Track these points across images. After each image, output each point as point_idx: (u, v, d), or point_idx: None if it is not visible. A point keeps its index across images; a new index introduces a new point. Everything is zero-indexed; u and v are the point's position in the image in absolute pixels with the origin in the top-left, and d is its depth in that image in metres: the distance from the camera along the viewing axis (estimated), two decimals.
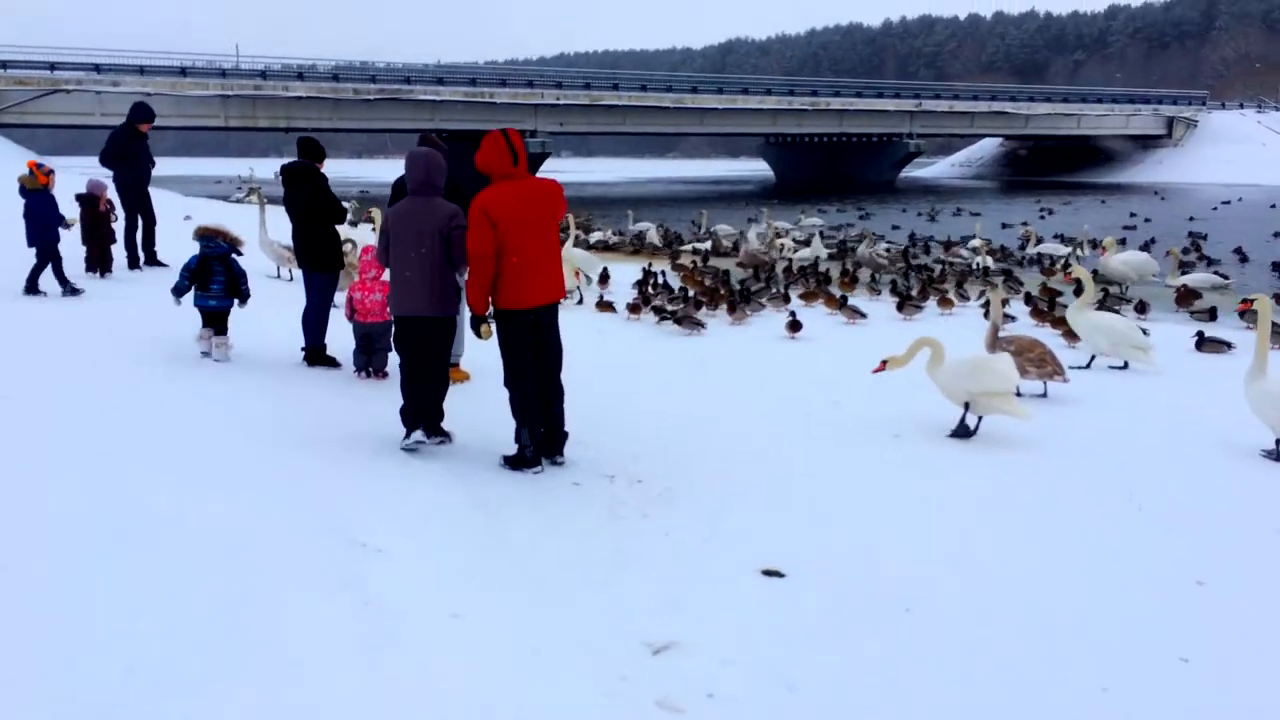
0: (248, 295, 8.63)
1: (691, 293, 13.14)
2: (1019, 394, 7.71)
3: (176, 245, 11.78)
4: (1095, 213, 34.11)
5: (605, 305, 12.97)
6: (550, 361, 6.48)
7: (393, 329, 8.46)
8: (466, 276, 6.35)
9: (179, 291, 8.40)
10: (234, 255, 8.58)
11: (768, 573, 4.88)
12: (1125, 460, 6.65)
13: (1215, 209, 34.54)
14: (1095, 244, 18.02)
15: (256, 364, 8.52)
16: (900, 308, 12.75)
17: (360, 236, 14.27)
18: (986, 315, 11.70)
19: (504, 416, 6.54)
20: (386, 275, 8.67)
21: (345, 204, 9.27)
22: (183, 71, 48.76)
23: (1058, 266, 16.88)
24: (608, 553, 5.07)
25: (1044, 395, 8.43)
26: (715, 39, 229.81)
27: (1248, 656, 4.09)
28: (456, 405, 6.97)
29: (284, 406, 7.33)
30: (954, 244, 20.49)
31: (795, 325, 11.15)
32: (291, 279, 13.61)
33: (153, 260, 13.29)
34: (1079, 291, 10.08)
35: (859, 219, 31.64)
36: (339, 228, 8.87)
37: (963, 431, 7.16)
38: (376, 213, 11.51)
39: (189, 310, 8.47)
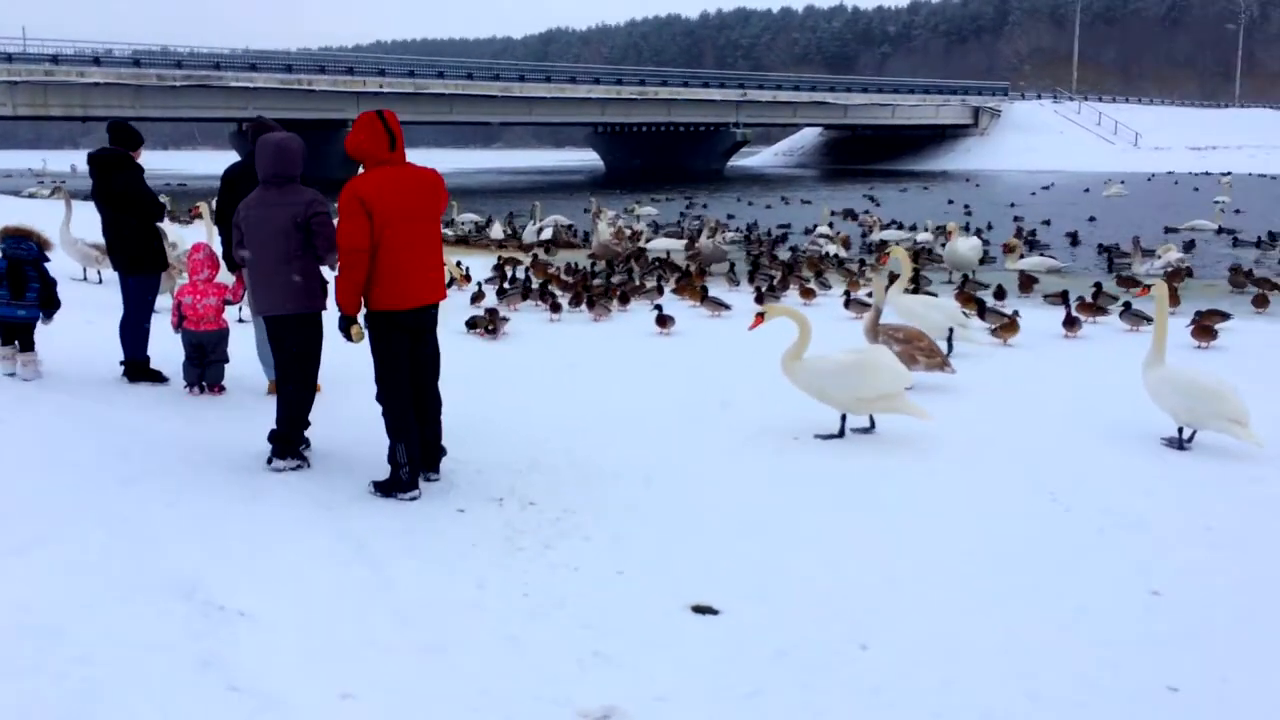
0: (58, 305, 7.48)
1: (551, 287, 12.45)
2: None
3: None
4: (920, 199, 35.26)
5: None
6: (428, 369, 5.88)
7: (227, 338, 7.63)
8: (337, 270, 5.61)
9: None
10: (44, 259, 7.43)
11: (699, 609, 4.32)
12: (1032, 456, 6.40)
13: (1034, 194, 36.20)
14: (942, 229, 18.31)
15: (69, 383, 7.37)
16: (759, 299, 12.43)
17: (190, 235, 12.92)
18: (847, 305, 11.56)
19: (365, 433, 5.80)
20: (221, 276, 7.75)
21: (161, 198, 8.16)
22: None
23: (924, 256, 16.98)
24: (514, 596, 4.40)
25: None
26: (536, 29, 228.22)
27: (1242, 685, 3.77)
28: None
29: (106, 434, 6.29)
30: (812, 231, 20.51)
31: (664, 320, 10.64)
32: (100, 281, 12.19)
33: None
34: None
35: (687, 208, 31.57)
36: (161, 224, 7.79)
37: (840, 434, 6.76)
38: (204, 207, 10.34)
39: None
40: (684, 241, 18.50)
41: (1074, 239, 19.53)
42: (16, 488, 5.25)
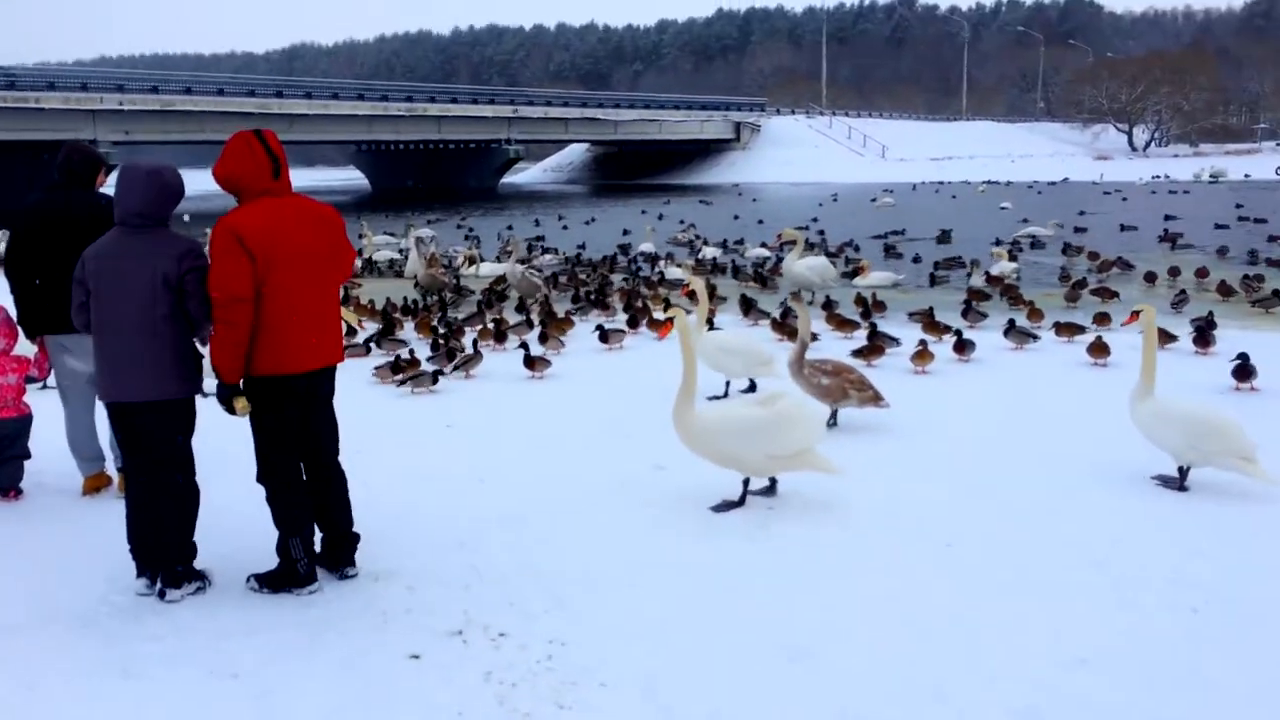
0: None
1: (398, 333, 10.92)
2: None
3: None
4: (701, 213, 35.21)
5: None
6: (325, 442, 4.76)
7: (30, 427, 5.86)
8: (207, 340, 4.46)
9: None
10: None
11: None
12: (1022, 503, 5.71)
13: (821, 205, 37.01)
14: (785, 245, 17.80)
15: None
16: (632, 322, 11.43)
17: None
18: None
19: (241, 526, 4.43)
20: (22, 349, 5.97)
21: None
22: None
23: (766, 268, 16.36)
24: None
25: (833, 424, 7.41)
26: (278, 44, 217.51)
27: None
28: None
29: None
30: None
31: (533, 362, 9.41)
32: None
33: None
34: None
35: (460, 225, 30.18)
36: None
37: (740, 502, 5.80)
38: None
39: None
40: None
41: (890, 250, 19.66)
42: None
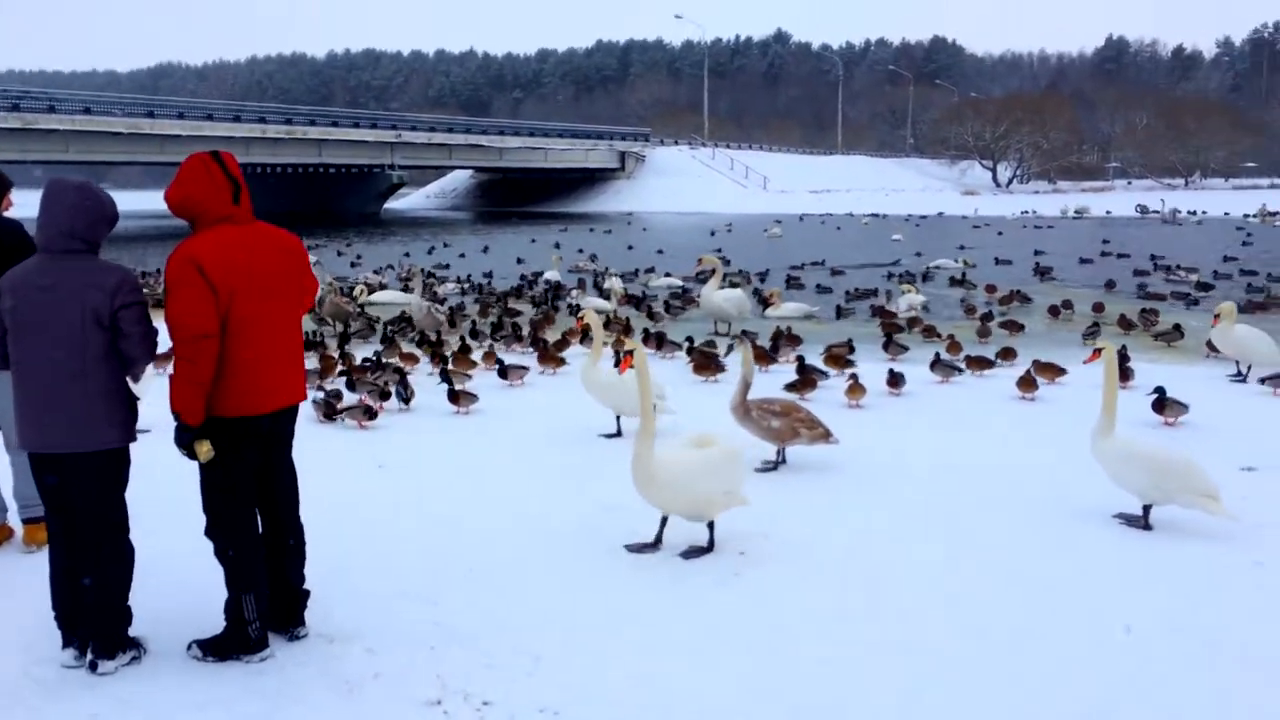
0: None
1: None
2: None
3: None
4: (598, 241, 35.14)
5: None
6: (285, 492, 4.39)
7: None
8: (139, 379, 4.05)
9: None
10: None
11: None
12: (996, 543, 5.65)
13: (714, 233, 37.17)
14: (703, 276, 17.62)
15: None
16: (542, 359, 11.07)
17: None
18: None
19: (176, 584, 4.00)
20: None
21: None
22: None
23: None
24: None
25: (782, 462, 7.30)
26: (143, 63, 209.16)
27: None
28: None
29: None
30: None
31: (458, 396, 9.01)
32: None
33: None
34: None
35: (346, 249, 29.34)
36: None
37: (710, 547, 5.55)
38: None
39: None
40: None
41: (793, 281, 19.81)
42: None
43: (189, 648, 4.25)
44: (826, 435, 7.23)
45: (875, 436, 8.03)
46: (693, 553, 5.50)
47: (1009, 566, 5.32)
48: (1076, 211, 53.35)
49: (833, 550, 5.56)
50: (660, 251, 28.19)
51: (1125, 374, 9.75)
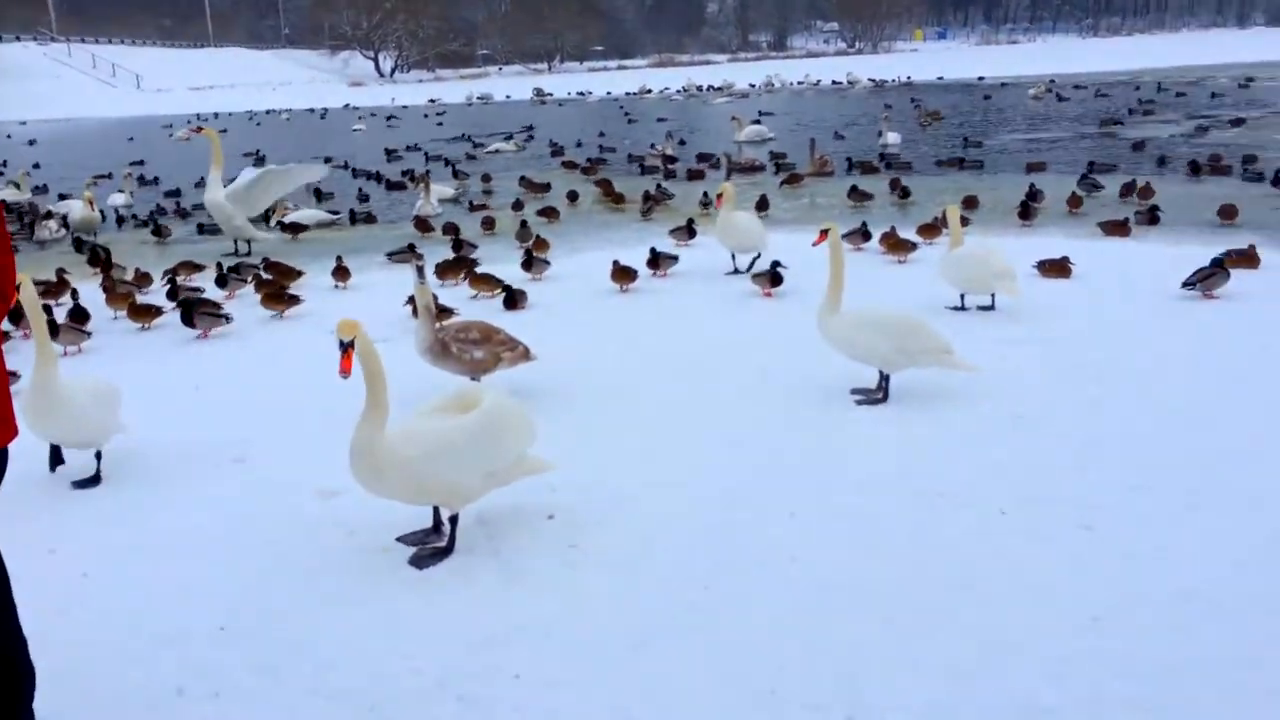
0: None
1: None
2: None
3: None
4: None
5: None
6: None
7: None
8: None
9: None
10: None
11: None
12: (756, 438, 5.90)
13: (133, 139, 32.07)
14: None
15: None
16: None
17: None
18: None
19: None
20: None
21: None
22: None
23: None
24: None
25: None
26: None
27: None
28: None
29: None
30: None
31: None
32: None
33: None
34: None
35: None
36: None
37: (449, 549, 4.54)
38: None
39: None
40: None
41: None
42: None
43: None
44: (527, 354, 6.86)
45: (579, 348, 7.75)
46: (425, 560, 4.45)
47: (781, 456, 5.57)
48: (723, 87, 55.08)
49: (596, 504, 5.39)
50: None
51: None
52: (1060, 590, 3.98)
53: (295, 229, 13.59)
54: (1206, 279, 8.16)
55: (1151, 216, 11.23)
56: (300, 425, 6.34)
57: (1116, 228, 10.90)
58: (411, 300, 8.69)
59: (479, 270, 9.96)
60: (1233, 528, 4.41)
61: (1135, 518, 4.55)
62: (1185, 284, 8.24)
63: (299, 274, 10.39)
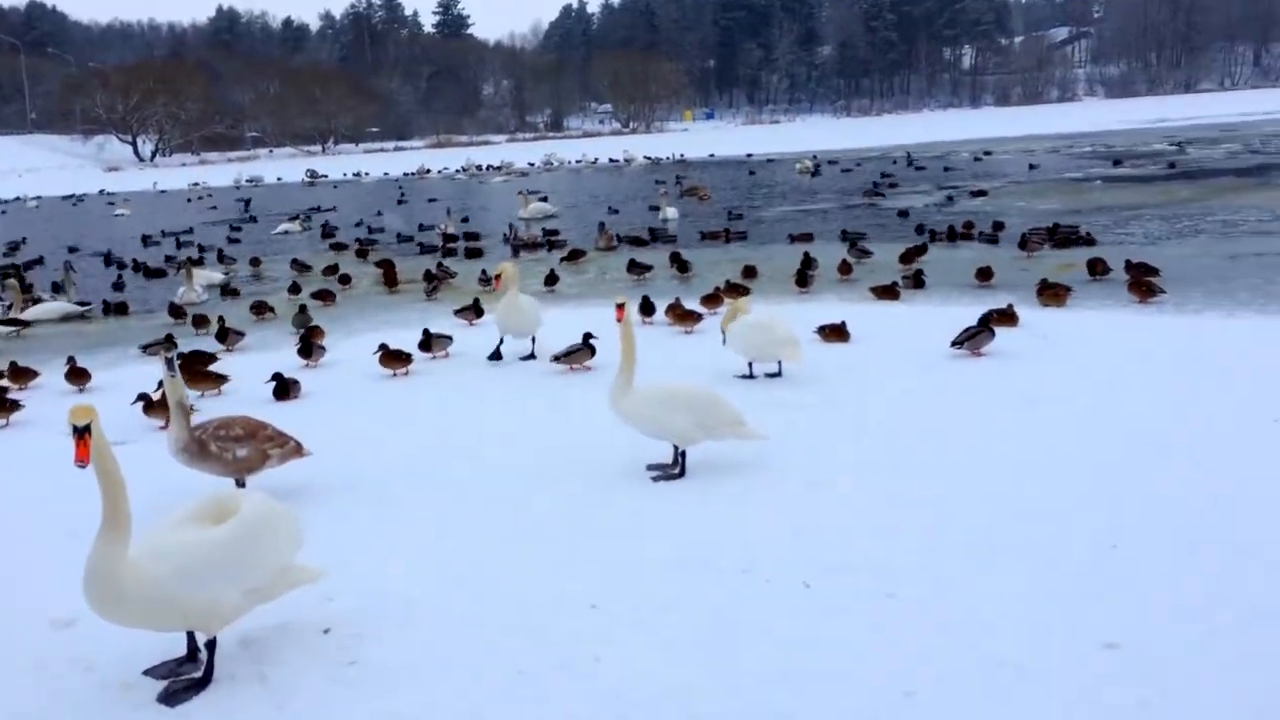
0: None
1: None
2: None
3: None
4: None
5: None
6: None
7: None
8: None
9: None
10: None
11: None
12: (554, 511, 5.61)
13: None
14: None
15: None
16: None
17: None
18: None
19: None
20: None
21: None
22: None
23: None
24: None
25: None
26: None
27: None
28: None
29: None
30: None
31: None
32: None
33: None
34: None
35: None
36: None
37: (207, 679, 3.97)
38: None
39: None
40: None
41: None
42: None
43: None
44: (298, 449, 6.31)
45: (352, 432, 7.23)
46: (179, 694, 3.87)
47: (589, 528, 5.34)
48: (250, 180, 53.10)
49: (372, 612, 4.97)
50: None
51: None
52: (872, 665, 3.84)
53: (17, 324, 12.38)
54: (973, 338, 8.54)
55: (918, 280, 11.81)
56: (28, 544, 5.53)
57: (886, 292, 11.37)
58: (144, 396, 7.97)
59: (209, 368, 9.08)
60: (1026, 589, 4.40)
61: (936, 580, 4.51)
62: (954, 343, 8.59)
63: (35, 374, 9.33)
